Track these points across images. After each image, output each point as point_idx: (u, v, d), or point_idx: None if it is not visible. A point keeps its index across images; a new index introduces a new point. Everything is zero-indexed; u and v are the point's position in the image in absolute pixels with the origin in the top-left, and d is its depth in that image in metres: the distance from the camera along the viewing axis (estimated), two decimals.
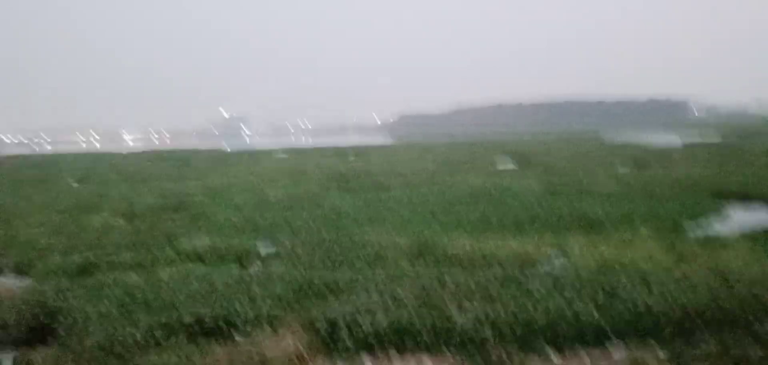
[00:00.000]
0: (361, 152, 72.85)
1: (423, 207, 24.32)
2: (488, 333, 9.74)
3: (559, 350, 9.55)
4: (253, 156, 74.50)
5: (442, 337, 9.84)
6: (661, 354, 9.17)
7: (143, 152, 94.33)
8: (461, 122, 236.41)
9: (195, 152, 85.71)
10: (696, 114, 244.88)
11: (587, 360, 9.16)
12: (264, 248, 18.33)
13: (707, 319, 10.22)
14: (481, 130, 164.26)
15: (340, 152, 73.80)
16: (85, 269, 16.28)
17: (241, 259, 17.12)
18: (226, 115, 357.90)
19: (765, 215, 21.32)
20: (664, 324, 10.10)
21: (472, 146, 79.64)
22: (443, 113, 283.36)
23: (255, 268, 15.96)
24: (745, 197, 24.94)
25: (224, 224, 22.46)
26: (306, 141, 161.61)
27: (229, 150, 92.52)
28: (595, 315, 10.25)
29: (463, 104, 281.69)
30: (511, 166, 47.59)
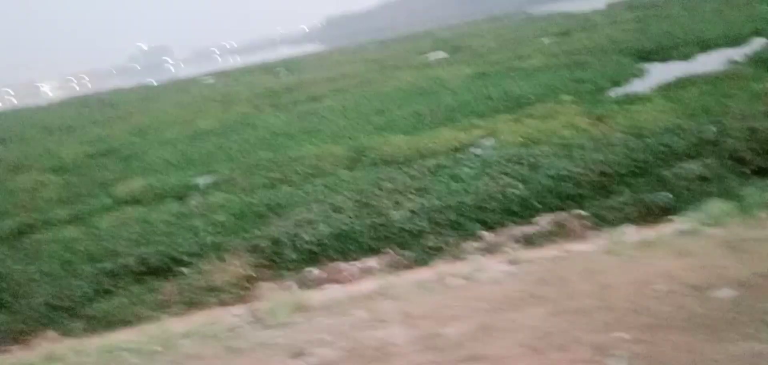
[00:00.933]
0: (291, 64, 71.02)
1: (357, 112, 24.42)
2: (424, 223, 10.25)
3: (490, 227, 10.17)
4: (179, 86, 71.60)
5: (381, 236, 10.29)
6: (583, 213, 9.94)
7: (64, 101, 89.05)
8: (389, 16, 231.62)
9: (118, 93, 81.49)
10: None
11: (516, 232, 9.81)
12: (201, 180, 18.17)
13: (622, 173, 11.07)
14: (410, 22, 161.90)
15: (269, 68, 71.69)
16: (21, 232, 15.88)
17: (180, 195, 17.00)
18: (145, 48, 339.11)
19: (679, 67, 22.34)
20: (584, 184, 10.87)
21: (402, 40, 78.74)
22: (370, 9, 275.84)
23: (194, 201, 15.89)
24: (662, 53, 25.95)
25: (157, 162, 22.06)
26: (234, 62, 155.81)
27: (155, 84, 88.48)
28: (520, 188, 10.91)
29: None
30: (442, 55, 47.62)
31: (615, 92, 19.70)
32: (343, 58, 65.62)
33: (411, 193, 11.88)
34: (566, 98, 19.50)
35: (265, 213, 12.61)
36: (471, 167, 12.78)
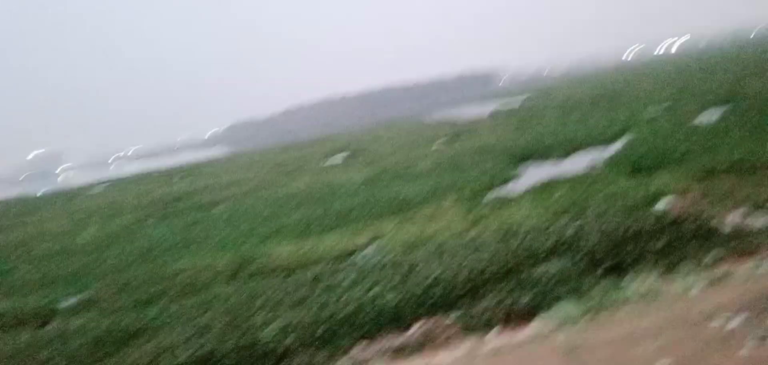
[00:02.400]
0: (187, 171, 69.32)
1: (245, 221, 23.85)
2: (292, 341, 9.81)
3: (361, 338, 9.91)
4: (66, 197, 67.17)
5: (245, 355, 9.70)
6: (451, 319, 9.97)
7: None
8: (292, 123, 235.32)
9: None
10: (501, 84, 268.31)
11: (385, 344, 9.62)
12: (66, 301, 16.63)
13: (490, 276, 11.32)
14: (312, 128, 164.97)
15: (164, 176, 69.49)
16: None
17: (42, 319, 15.39)
18: (33, 155, 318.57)
19: (549, 169, 24.01)
20: (455, 288, 10.97)
21: (304, 145, 79.77)
22: (274, 115, 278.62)
23: (53, 326, 14.41)
24: (536, 155, 27.86)
25: (22, 282, 20.08)
26: (130, 169, 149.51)
27: (37, 195, 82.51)
28: (394, 296, 10.83)
29: (292, 104, 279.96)
30: (338, 161, 48.47)
31: (494, 194, 20.65)
32: (241, 164, 64.97)
33: (286, 307, 11.45)
34: (451, 198, 20.22)
35: (126, 339, 11.60)
36: (349, 276, 12.61)
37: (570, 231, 12.70)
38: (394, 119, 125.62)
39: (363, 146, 54.90)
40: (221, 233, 21.97)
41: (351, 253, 15.94)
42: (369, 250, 15.96)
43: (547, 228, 13.22)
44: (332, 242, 17.24)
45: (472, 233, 14.66)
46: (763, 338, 4.63)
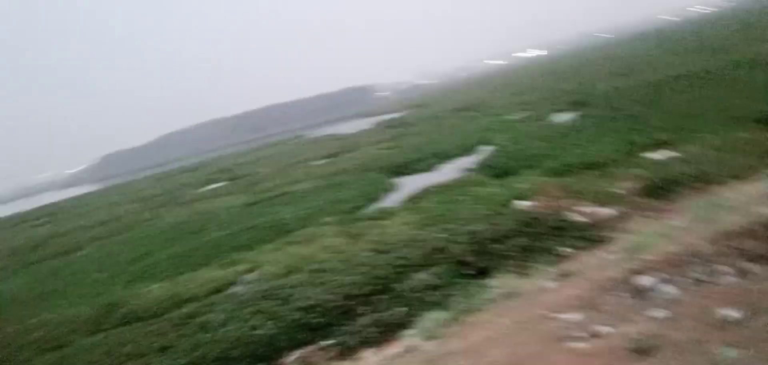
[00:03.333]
0: (50, 212, 63.47)
1: (114, 262, 22.26)
2: None
3: None
4: None
5: None
6: (327, 344, 9.95)
7: None
8: (169, 149, 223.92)
9: None
10: (378, 96, 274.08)
11: None
12: None
13: (366, 293, 11.44)
14: (189, 153, 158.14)
15: (24, 219, 62.99)
16: None
17: None
18: None
19: (423, 179, 24.81)
20: (331, 311, 10.97)
21: (180, 173, 76.13)
22: (149, 142, 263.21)
23: None
24: (411, 166, 28.70)
25: None
26: None
27: None
28: (270, 326, 10.62)
29: (167, 129, 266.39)
30: (218, 186, 46.77)
31: (372, 208, 20.97)
32: (110, 200, 60.62)
33: (155, 353, 10.81)
34: (328, 218, 20.24)
35: None
36: (223, 311, 12.18)
37: (436, 242, 13.19)
38: (275, 138, 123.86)
39: (243, 169, 53.49)
40: (87, 280, 20.38)
41: (226, 286, 15.41)
42: (245, 281, 15.50)
43: (415, 241, 13.63)
44: (207, 276, 16.55)
45: (349, 252, 14.74)
46: (596, 334, 5.08)
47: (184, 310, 13.43)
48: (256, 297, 12.62)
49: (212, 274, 16.66)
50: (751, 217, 7.06)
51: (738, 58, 31.30)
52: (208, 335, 10.84)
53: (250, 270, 16.33)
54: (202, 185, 50.10)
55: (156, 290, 16.25)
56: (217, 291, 15.06)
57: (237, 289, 14.79)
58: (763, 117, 16.66)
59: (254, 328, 10.55)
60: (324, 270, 13.47)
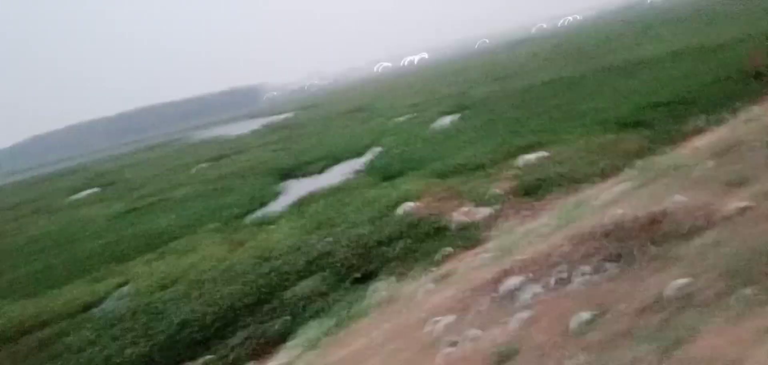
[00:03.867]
0: None
1: None
2: None
3: None
4: None
5: None
6: (206, 358, 9.43)
7: None
8: (41, 150, 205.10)
9: None
10: (267, 97, 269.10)
11: None
12: None
13: (249, 304, 11.00)
14: (60, 157, 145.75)
15: None
16: None
17: None
18: None
19: (312, 182, 24.48)
20: (210, 325, 10.41)
21: (52, 178, 69.83)
22: (18, 143, 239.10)
23: None
24: (299, 169, 28.22)
25: None
26: None
27: None
28: (143, 345, 9.89)
29: (36, 131, 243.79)
30: (93, 192, 43.36)
31: (256, 215, 20.33)
32: None
33: None
34: (211, 225, 19.42)
35: None
36: (91, 330, 11.19)
37: (321, 247, 13.00)
38: (156, 141, 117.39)
39: (121, 174, 50.08)
40: None
41: (96, 303, 14.24)
42: (113, 298, 14.41)
43: (300, 247, 13.37)
44: (75, 292, 15.24)
45: (231, 260, 14.18)
46: (467, 338, 5.17)
47: (47, 332, 12.23)
48: (128, 314, 11.73)
49: (81, 290, 15.39)
50: (611, 217, 7.57)
51: (604, 65, 34.10)
52: (72, 357, 9.87)
53: (123, 284, 15.23)
54: (75, 192, 46.23)
55: (15, 309, 14.66)
56: (86, 308, 13.91)
57: (108, 305, 13.72)
58: (625, 120, 18.17)
59: (124, 348, 9.76)
60: (203, 281, 12.84)
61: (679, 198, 6.69)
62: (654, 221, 5.85)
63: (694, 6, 67.46)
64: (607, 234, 5.99)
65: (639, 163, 12.61)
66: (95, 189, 44.32)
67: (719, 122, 13.81)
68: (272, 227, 16.88)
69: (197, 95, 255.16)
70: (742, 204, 5.52)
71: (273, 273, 12.07)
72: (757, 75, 18.03)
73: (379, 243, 12.49)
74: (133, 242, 19.62)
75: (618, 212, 7.05)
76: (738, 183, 6.36)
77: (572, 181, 13.53)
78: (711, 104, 16.20)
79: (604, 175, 13.34)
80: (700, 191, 6.65)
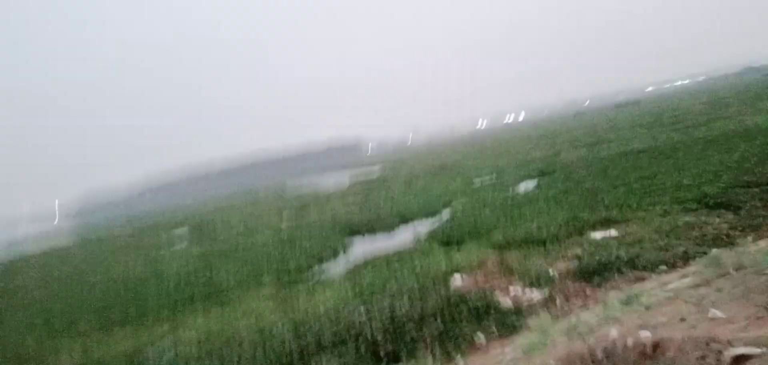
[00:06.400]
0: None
1: (40, 316, 21.10)
2: None
3: None
4: None
5: None
6: None
7: None
8: (151, 200, 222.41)
9: None
10: (369, 152, 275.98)
11: None
12: None
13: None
14: (169, 206, 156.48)
15: None
16: None
17: None
18: None
19: (377, 243, 24.08)
20: None
21: (150, 228, 74.98)
22: (132, 192, 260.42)
23: None
24: (369, 227, 27.96)
25: None
26: None
27: None
28: None
29: (152, 179, 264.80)
30: (182, 242, 45.70)
31: (318, 270, 20.18)
32: (69, 251, 59.09)
33: None
34: (266, 279, 19.48)
35: None
36: None
37: (361, 315, 12.40)
38: (256, 187, 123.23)
39: (210, 223, 52.45)
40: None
41: (138, 352, 14.44)
42: (160, 347, 14.54)
43: (340, 313, 12.84)
44: (123, 339, 15.61)
45: (270, 321, 13.91)
46: None
47: None
48: None
49: (127, 339, 15.74)
50: (601, 338, 6.47)
51: (702, 135, 31.41)
52: None
53: (169, 334, 15.41)
54: (169, 239, 49.06)
55: (76, 347, 15.29)
56: (129, 355, 14.14)
57: (158, 356, 13.88)
58: (710, 200, 16.28)
59: None
60: (233, 342, 12.62)
61: (715, 313, 5.54)
62: (648, 352, 4.77)
63: None
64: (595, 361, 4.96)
65: (717, 252, 11.04)
66: (186, 239, 46.76)
67: None
68: (321, 288, 16.53)
69: (298, 149, 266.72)
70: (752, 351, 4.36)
71: (300, 341, 11.62)
72: None
73: (415, 320, 11.70)
74: (191, 290, 20.06)
75: (612, 333, 5.95)
76: None
77: (635, 267, 12.11)
78: None
79: (672, 264, 11.84)
80: (743, 309, 5.47)
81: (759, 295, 5.74)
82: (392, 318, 11.98)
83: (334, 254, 22.90)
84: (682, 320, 6.29)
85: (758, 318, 5.11)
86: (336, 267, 20.17)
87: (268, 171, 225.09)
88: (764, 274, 7.35)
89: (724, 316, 5.66)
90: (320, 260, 21.86)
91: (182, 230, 48.88)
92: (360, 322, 11.99)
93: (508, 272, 14.34)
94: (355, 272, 18.00)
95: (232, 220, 46.50)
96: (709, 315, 5.77)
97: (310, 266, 20.88)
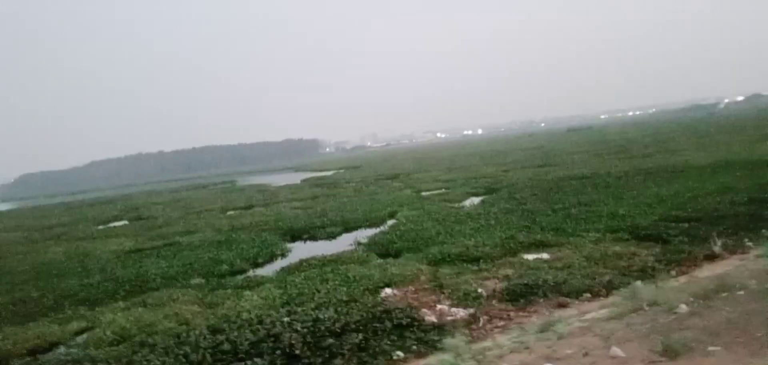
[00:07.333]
0: None
1: None
2: None
3: None
4: None
5: None
6: None
7: None
8: (96, 176, 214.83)
9: None
10: (324, 152, 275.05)
11: None
12: None
13: None
14: (114, 184, 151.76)
15: None
16: None
17: None
18: None
19: (317, 247, 23.60)
20: None
21: (93, 205, 72.21)
22: (77, 167, 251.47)
23: None
24: (311, 232, 27.41)
25: None
26: None
27: None
28: None
29: (99, 155, 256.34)
30: (120, 224, 44.14)
31: (250, 274, 19.60)
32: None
33: None
34: (197, 280, 18.80)
35: None
36: None
37: (281, 324, 12.01)
38: (206, 180, 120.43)
39: (149, 211, 50.84)
40: None
41: (49, 347, 13.66)
42: (70, 344, 13.77)
43: (260, 322, 12.39)
44: (35, 331, 14.69)
45: (192, 324, 13.32)
46: None
47: None
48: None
49: (42, 330, 14.82)
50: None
51: (646, 167, 32.32)
52: None
53: (83, 331, 14.63)
54: (105, 222, 47.24)
55: None
56: (35, 351, 13.32)
57: (58, 353, 13.10)
58: (642, 231, 16.60)
59: None
60: (149, 345, 12.01)
61: (616, 351, 5.48)
62: None
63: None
64: None
65: (637, 285, 11.16)
66: (123, 222, 45.12)
67: (736, 250, 12.20)
68: (249, 292, 15.99)
69: (254, 140, 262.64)
70: None
71: (214, 349, 11.11)
72: None
73: (334, 332, 11.38)
74: (118, 284, 19.15)
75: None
76: (675, 353, 5.09)
77: (560, 293, 12.16)
78: (735, 227, 14.51)
79: (596, 292, 11.94)
80: (642, 349, 5.42)
81: (660, 336, 5.70)
82: (314, 329, 11.63)
83: (271, 257, 22.33)
84: (586, 355, 6.22)
85: (651, 363, 5.05)
86: (270, 270, 19.63)
87: (223, 160, 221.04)
88: (674, 313, 7.40)
89: (623, 355, 5.60)
90: (255, 264, 21.27)
91: (121, 219, 47.20)
92: (281, 331, 11.61)
93: (439, 288, 14.21)
94: (286, 278, 17.54)
95: (174, 212, 45.09)
96: (611, 352, 5.71)
97: (244, 269, 20.28)
